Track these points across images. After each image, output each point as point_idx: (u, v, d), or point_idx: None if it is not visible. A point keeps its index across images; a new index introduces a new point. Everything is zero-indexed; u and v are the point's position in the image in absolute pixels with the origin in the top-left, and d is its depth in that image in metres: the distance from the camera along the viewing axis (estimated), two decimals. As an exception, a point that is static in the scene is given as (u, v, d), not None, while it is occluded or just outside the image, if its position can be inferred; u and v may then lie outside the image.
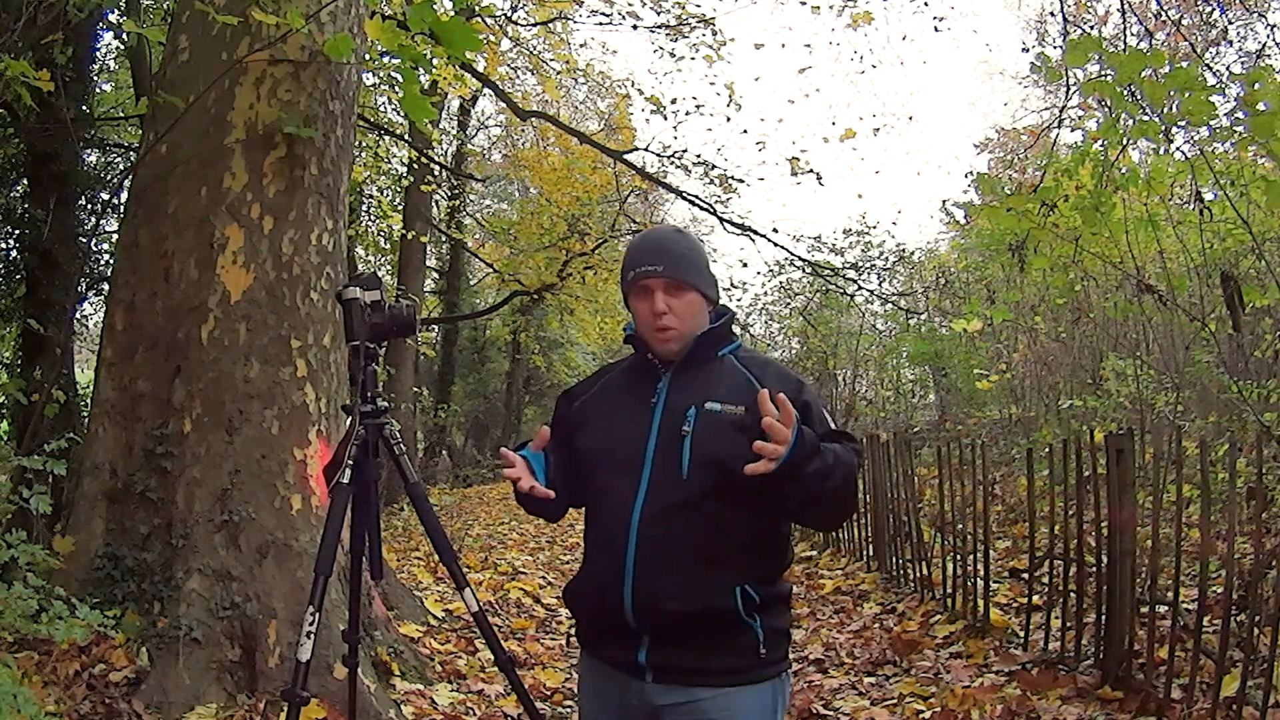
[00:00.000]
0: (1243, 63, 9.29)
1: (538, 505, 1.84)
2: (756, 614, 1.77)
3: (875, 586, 6.31)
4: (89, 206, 7.60)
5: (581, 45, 14.32)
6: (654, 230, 2.16)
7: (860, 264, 13.28)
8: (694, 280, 1.88)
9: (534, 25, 11.84)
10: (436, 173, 13.84)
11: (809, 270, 11.92)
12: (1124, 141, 4.36)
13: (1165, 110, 3.62)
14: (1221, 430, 5.98)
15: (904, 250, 14.28)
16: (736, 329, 2.04)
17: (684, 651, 1.77)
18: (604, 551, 1.83)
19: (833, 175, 32.96)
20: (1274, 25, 11.64)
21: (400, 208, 12.80)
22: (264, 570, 3.77)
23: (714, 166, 10.70)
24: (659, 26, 10.46)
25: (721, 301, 2.00)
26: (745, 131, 20.99)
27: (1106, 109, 5.31)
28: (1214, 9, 8.85)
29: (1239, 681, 3.16)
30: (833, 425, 1.83)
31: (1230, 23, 9.37)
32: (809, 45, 21.30)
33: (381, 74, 8.54)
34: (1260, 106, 3.31)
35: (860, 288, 12.36)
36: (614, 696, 1.87)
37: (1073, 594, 4.12)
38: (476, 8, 7.36)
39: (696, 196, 10.92)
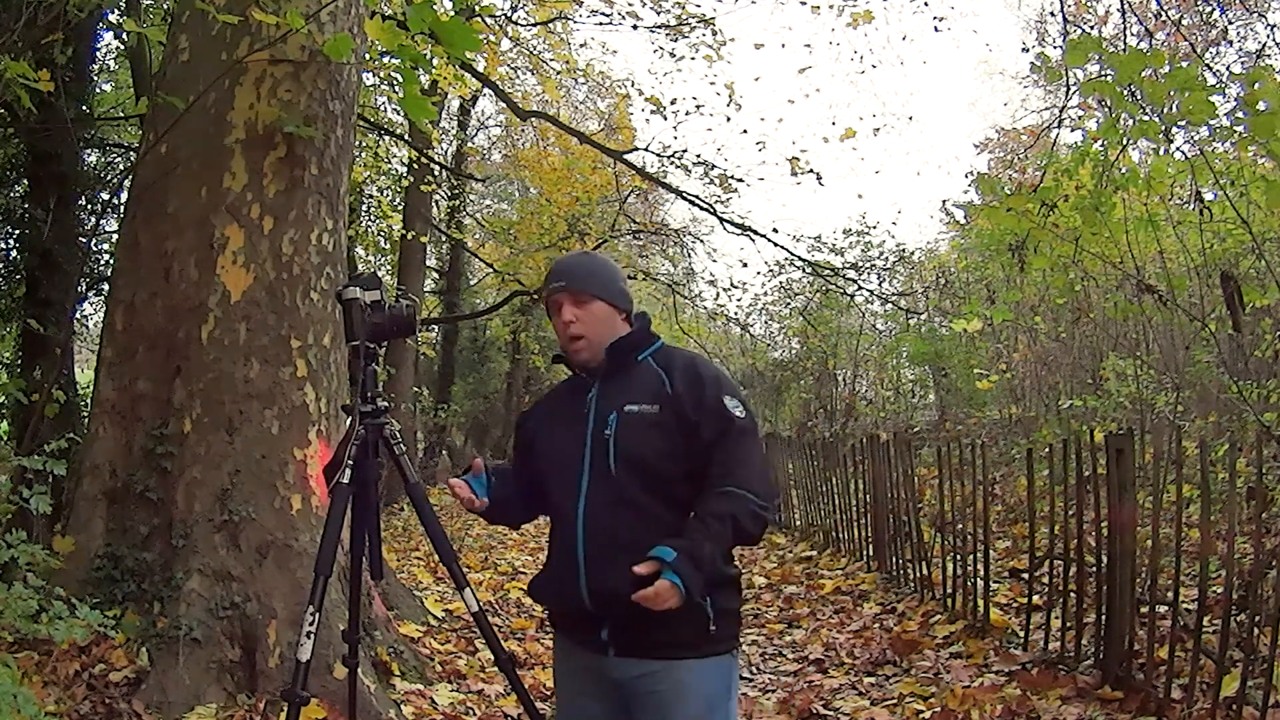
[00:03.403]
0: (1243, 63, 9.29)
1: (494, 515, 2.17)
2: (705, 594, 1.91)
3: (875, 586, 6.30)
4: (89, 206, 7.60)
5: (581, 45, 14.29)
6: (563, 256, 2.45)
7: (860, 264, 13.30)
8: (596, 291, 2.07)
9: (534, 25, 11.83)
10: (436, 173, 13.82)
11: (809, 270, 11.92)
12: (1124, 141, 4.36)
13: (1165, 110, 3.62)
14: (1221, 430, 5.99)
15: (904, 250, 14.31)
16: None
17: (641, 629, 1.92)
18: (559, 550, 2.05)
19: (833, 175, 32.82)
20: (1274, 25, 11.65)
21: (400, 208, 12.79)
22: (264, 570, 3.77)
23: (714, 166, 10.68)
24: (659, 26, 10.45)
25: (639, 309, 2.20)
26: (745, 131, 20.86)
27: (1106, 109, 5.31)
28: (1214, 9, 8.85)
29: (1239, 681, 3.16)
30: (734, 414, 1.97)
31: (1230, 23, 9.36)
32: (809, 45, 21.28)
33: (381, 74, 8.54)
34: (1260, 106, 3.31)
35: (860, 288, 12.36)
36: (583, 669, 2.07)
37: (1073, 594, 4.12)
38: (476, 8, 7.34)
39: (696, 196, 10.93)
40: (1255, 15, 9.02)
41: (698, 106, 11.56)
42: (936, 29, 14.19)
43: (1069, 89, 7.11)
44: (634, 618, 1.89)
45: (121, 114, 9.30)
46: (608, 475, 1.97)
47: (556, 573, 2.06)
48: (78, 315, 8.80)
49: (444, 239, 17.92)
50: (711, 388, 2.00)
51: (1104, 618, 3.84)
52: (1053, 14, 11.79)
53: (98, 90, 9.35)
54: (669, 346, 2.14)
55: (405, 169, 12.63)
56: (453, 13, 6.91)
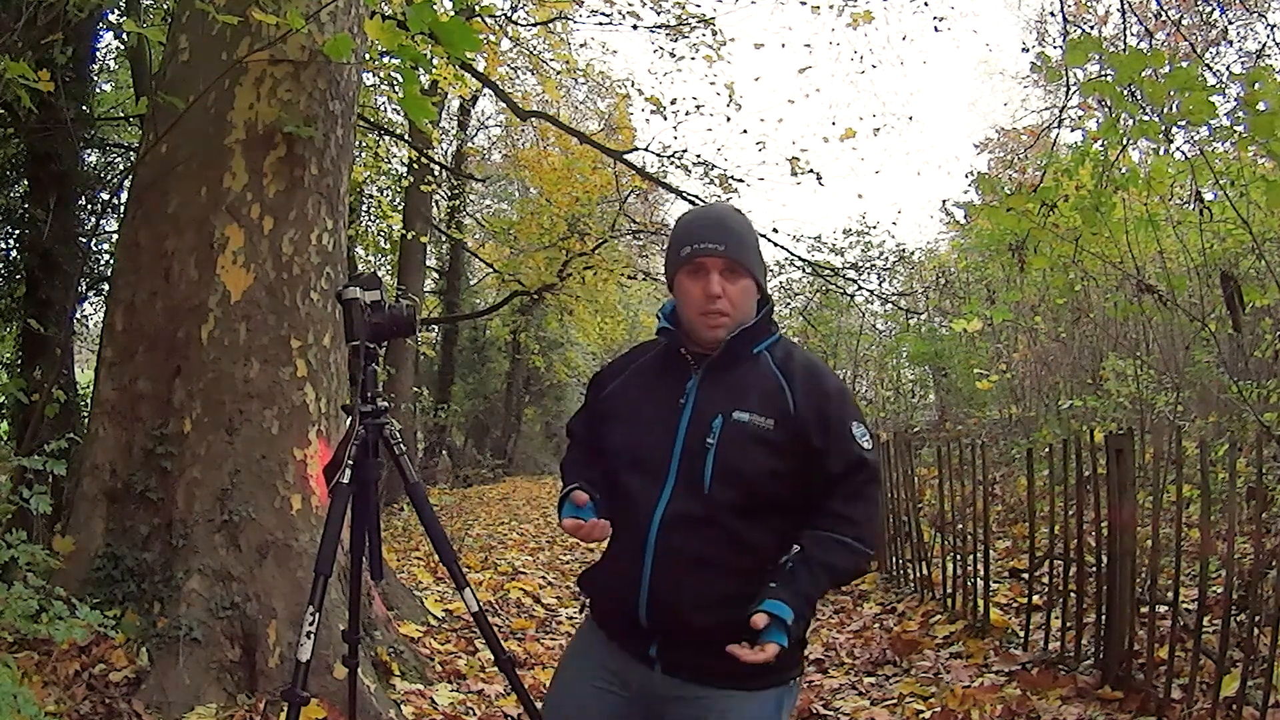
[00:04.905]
0: (1243, 63, 9.29)
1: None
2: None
3: (875, 586, 6.30)
4: (89, 206, 7.60)
5: (581, 45, 14.33)
6: (713, 206, 2.06)
7: (860, 264, 13.29)
8: (752, 266, 1.78)
9: (534, 25, 11.84)
10: (436, 173, 13.83)
11: (809, 270, 11.92)
12: (1124, 141, 4.36)
13: (1165, 110, 3.62)
14: (1221, 430, 5.99)
15: (904, 250, 14.29)
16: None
17: (696, 652, 1.74)
18: (622, 555, 1.79)
19: (833, 175, 33.01)
20: (1274, 25, 11.65)
21: (400, 208, 12.79)
22: (264, 570, 3.77)
23: (714, 166, 10.69)
24: (659, 26, 10.46)
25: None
26: (745, 131, 21.07)
27: (1106, 109, 5.31)
28: (1214, 9, 8.85)
29: (1239, 681, 3.16)
30: (863, 447, 1.75)
31: (1230, 23, 9.36)
32: (809, 45, 21.32)
33: (381, 74, 8.54)
34: (1260, 106, 3.32)
35: (860, 288, 12.35)
36: (618, 670, 1.83)
37: (1073, 594, 4.12)
38: (476, 8, 7.34)
39: (696, 196, 10.91)
40: (1255, 15, 9.03)
41: (698, 106, 11.59)
42: (936, 29, 14.21)
43: (1069, 89, 7.10)
44: (690, 641, 1.72)
45: (121, 114, 9.31)
46: (697, 489, 1.70)
47: (613, 579, 1.82)
48: (78, 315, 8.80)
49: (444, 239, 17.93)
50: (837, 407, 1.75)
51: (1104, 618, 3.84)
52: (1053, 14, 11.80)
53: (98, 90, 9.35)
54: (787, 340, 1.85)
55: (405, 169, 12.64)
56: (453, 13, 6.91)
